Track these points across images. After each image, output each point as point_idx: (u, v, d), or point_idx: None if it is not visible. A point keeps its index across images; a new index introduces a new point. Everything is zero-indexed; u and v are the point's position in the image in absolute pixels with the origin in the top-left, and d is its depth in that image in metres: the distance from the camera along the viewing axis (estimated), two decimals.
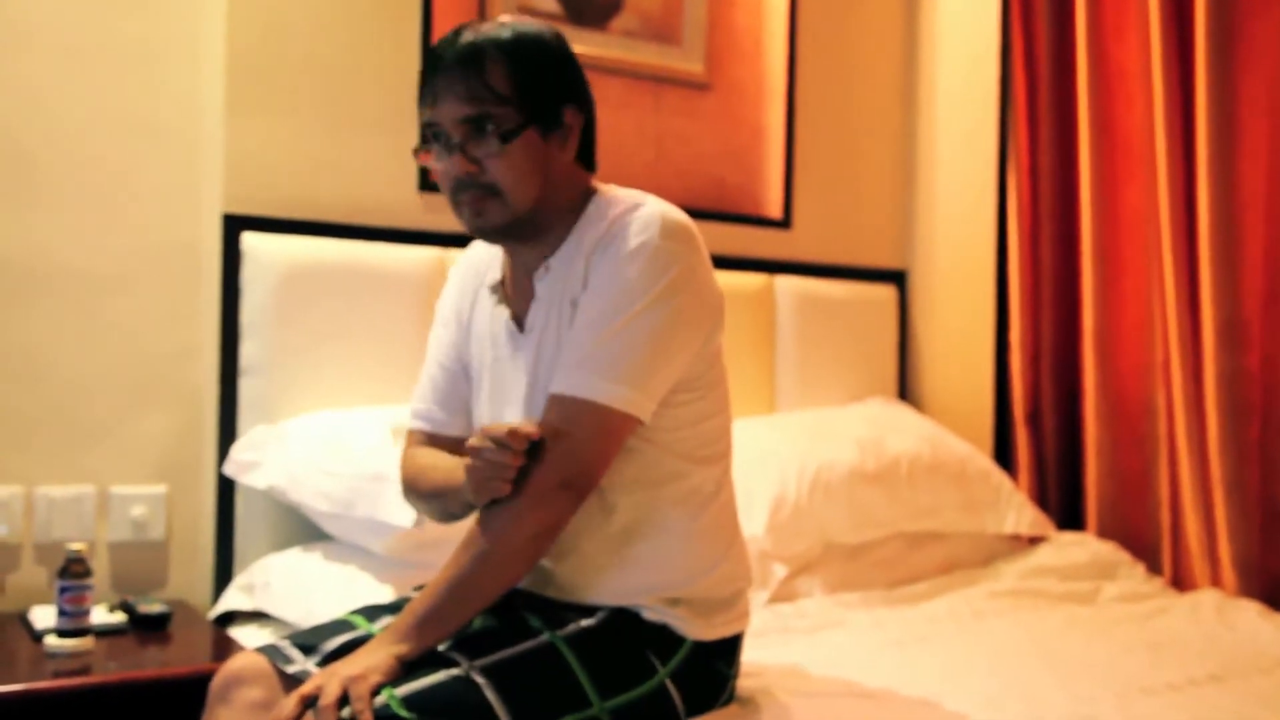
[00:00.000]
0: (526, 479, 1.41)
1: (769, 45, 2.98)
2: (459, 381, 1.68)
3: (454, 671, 1.37)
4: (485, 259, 1.68)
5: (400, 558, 1.98)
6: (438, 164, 1.51)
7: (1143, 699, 1.69)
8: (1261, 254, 2.51)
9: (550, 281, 1.52)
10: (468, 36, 1.48)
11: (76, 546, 1.90)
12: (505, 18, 1.53)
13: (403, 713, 1.30)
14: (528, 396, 1.53)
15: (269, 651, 1.48)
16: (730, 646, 1.57)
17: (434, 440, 1.68)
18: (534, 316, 1.54)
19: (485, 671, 1.37)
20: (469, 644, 1.43)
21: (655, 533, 1.52)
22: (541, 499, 1.41)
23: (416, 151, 1.56)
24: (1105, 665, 1.89)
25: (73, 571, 1.88)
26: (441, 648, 1.42)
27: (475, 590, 1.41)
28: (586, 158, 1.57)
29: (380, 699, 1.31)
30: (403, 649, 1.38)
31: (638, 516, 1.51)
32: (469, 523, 1.48)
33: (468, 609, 1.42)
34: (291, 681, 1.44)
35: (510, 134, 1.46)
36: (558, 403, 1.43)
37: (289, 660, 1.46)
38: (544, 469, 1.41)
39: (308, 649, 1.48)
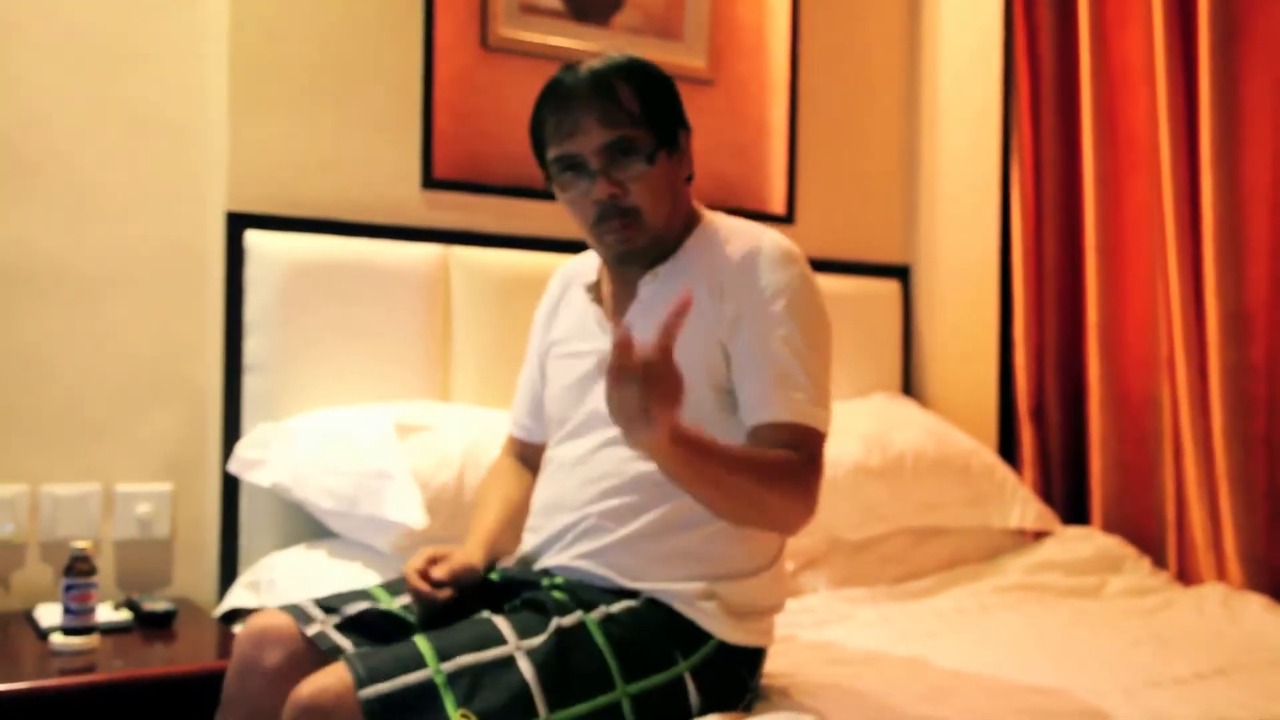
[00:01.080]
0: (802, 486, 1.48)
1: (771, 40, 2.97)
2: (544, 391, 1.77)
3: (501, 650, 1.40)
4: (579, 268, 1.76)
5: (405, 555, 1.97)
6: (574, 195, 1.56)
7: (1149, 692, 1.69)
8: (1266, 247, 2.50)
9: (658, 287, 1.59)
10: (589, 65, 1.55)
11: (81, 544, 1.90)
12: (602, 54, 1.60)
13: (444, 689, 1.34)
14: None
15: (292, 611, 1.51)
16: (753, 657, 1.58)
17: (526, 447, 1.83)
18: (634, 316, 1.59)
19: (530, 654, 1.40)
20: (519, 617, 1.46)
21: (709, 526, 1.54)
22: (801, 521, 1.50)
23: (551, 190, 1.60)
24: (1112, 659, 1.89)
25: (78, 569, 1.88)
26: (495, 620, 1.45)
27: (731, 490, 1.44)
28: (692, 173, 1.66)
29: (427, 672, 1.34)
30: (676, 438, 1.35)
31: (696, 509, 1.52)
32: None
33: (717, 486, 1.44)
34: (312, 644, 1.46)
35: (653, 155, 1.54)
36: (790, 432, 1.49)
37: (310, 620, 1.50)
38: (806, 492, 1.48)
39: (329, 609, 1.51)
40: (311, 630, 1.49)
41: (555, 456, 1.68)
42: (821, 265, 2.98)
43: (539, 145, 1.59)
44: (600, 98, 1.52)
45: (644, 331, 1.55)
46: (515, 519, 1.72)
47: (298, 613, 1.52)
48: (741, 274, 1.54)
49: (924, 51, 3.20)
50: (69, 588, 1.87)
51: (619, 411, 1.31)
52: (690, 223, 1.63)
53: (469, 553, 1.61)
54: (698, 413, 1.52)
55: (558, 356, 1.70)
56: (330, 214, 2.37)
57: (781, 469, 1.46)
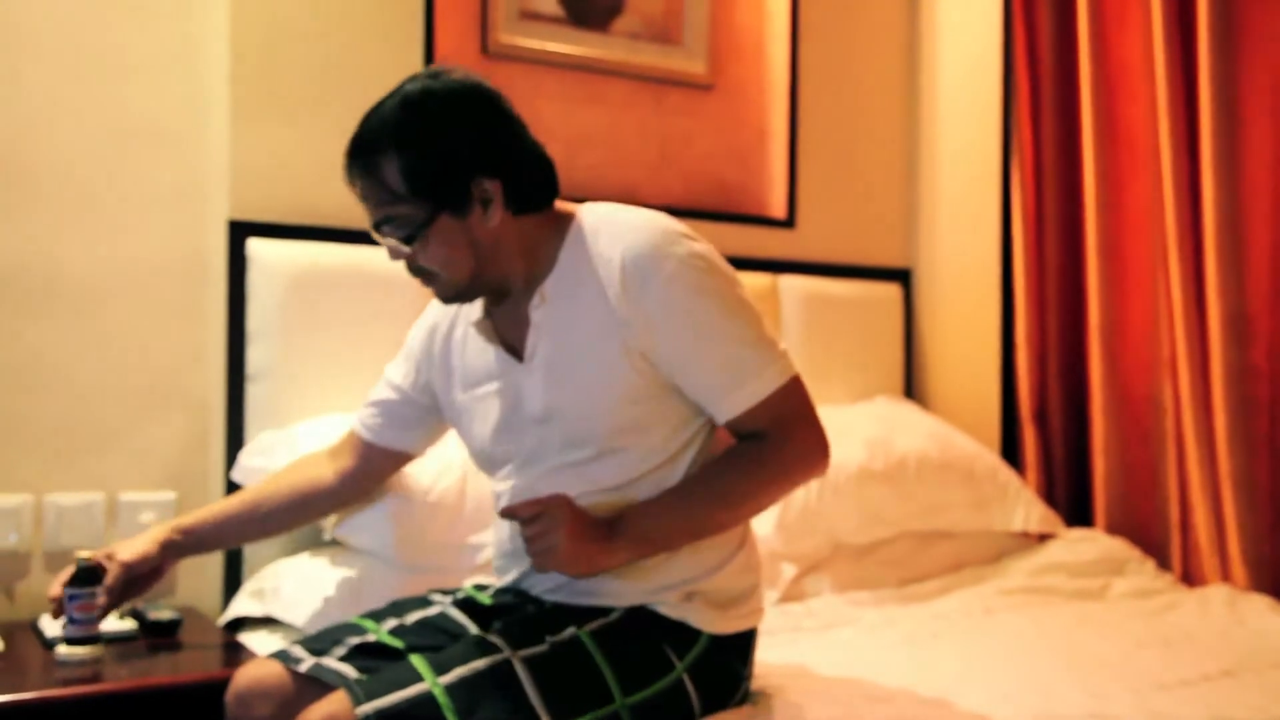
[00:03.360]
0: (796, 457, 1.50)
1: (771, 45, 2.98)
2: (405, 406, 1.75)
3: (497, 658, 1.39)
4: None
5: (409, 562, 1.97)
6: None
7: (1156, 694, 1.69)
8: (1267, 248, 2.50)
9: (549, 309, 1.51)
10: (363, 125, 1.47)
11: (86, 554, 1.90)
12: (396, 92, 1.49)
13: (443, 699, 1.33)
14: (541, 420, 1.53)
15: (280, 656, 1.50)
16: (745, 644, 1.58)
17: (366, 447, 1.81)
18: (534, 343, 1.52)
19: (527, 662, 1.40)
20: (512, 630, 1.46)
21: None
22: (812, 469, 1.52)
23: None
24: (1118, 661, 1.89)
25: (82, 579, 1.87)
26: (488, 636, 1.45)
27: (714, 512, 1.50)
28: (536, 198, 1.52)
29: (424, 686, 1.34)
30: (625, 539, 1.47)
31: None
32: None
33: (693, 527, 1.50)
34: (305, 680, 1.45)
35: (414, 234, 1.46)
36: (764, 408, 1.48)
37: (299, 661, 1.48)
38: (806, 451, 1.50)
39: (317, 653, 1.50)
40: (304, 667, 1.47)
41: (504, 492, 1.61)
42: (823, 269, 3.01)
43: None
44: (362, 173, 1.45)
45: (546, 355, 1.51)
46: (254, 513, 1.79)
47: (285, 657, 1.50)
48: (629, 283, 1.45)
49: (923, 55, 3.21)
50: (73, 597, 1.87)
51: (564, 567, 1.43)
52: (561, 231, 1.53)
53: (139, 546, 1.75)
54: (609, 423, 1.49)
55: (474, 399, 1.62)
56: (333, 221, 2.37)
57: (745, 467, 1.49)
